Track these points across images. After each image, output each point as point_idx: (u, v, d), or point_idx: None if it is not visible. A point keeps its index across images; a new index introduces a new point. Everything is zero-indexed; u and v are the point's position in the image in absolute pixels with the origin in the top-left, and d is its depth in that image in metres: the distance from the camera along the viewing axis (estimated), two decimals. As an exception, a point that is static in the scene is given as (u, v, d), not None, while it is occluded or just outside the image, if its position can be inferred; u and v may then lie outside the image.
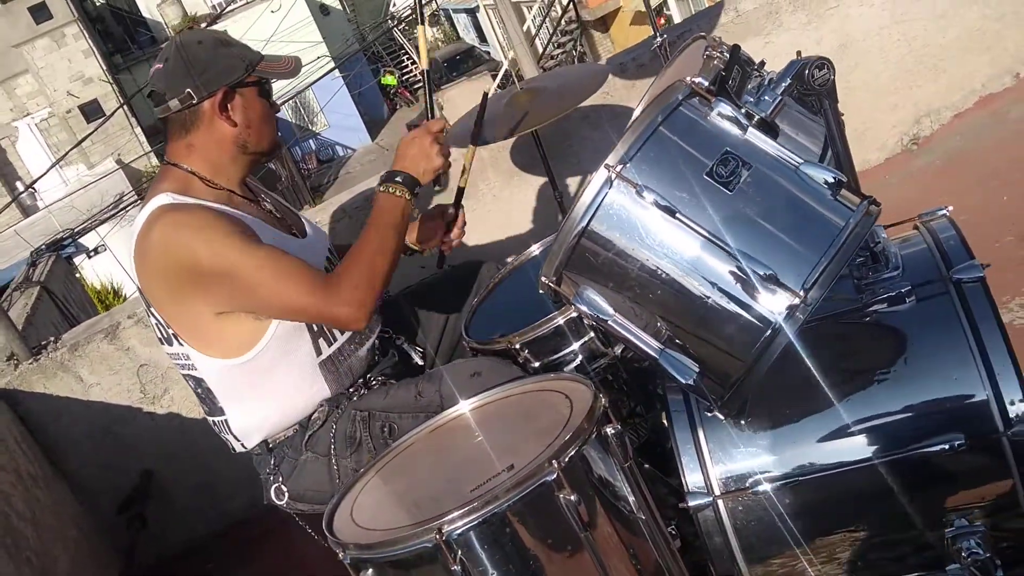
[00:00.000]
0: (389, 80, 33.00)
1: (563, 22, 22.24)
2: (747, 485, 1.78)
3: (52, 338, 3.47)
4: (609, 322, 1.58)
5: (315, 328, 2.11)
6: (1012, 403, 1.62)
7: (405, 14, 29.36)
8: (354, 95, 30.83)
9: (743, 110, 1.58)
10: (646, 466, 2.26)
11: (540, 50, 20.29)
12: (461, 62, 29.84)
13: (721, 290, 1.47)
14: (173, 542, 3.59)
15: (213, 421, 2.19)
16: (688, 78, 1.57)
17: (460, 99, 16.46)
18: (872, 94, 3.93)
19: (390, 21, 30.62)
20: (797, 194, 1.50)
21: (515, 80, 3.17)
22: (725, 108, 1.54)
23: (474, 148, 2.42)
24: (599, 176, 1.48)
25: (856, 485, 1.75)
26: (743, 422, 1.79)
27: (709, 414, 1.70)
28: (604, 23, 22.32)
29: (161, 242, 1.96)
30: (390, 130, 31.06)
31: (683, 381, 1.54)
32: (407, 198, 2.06)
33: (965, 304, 1.71)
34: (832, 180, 1.50)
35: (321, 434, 2.13)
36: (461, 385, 2.05)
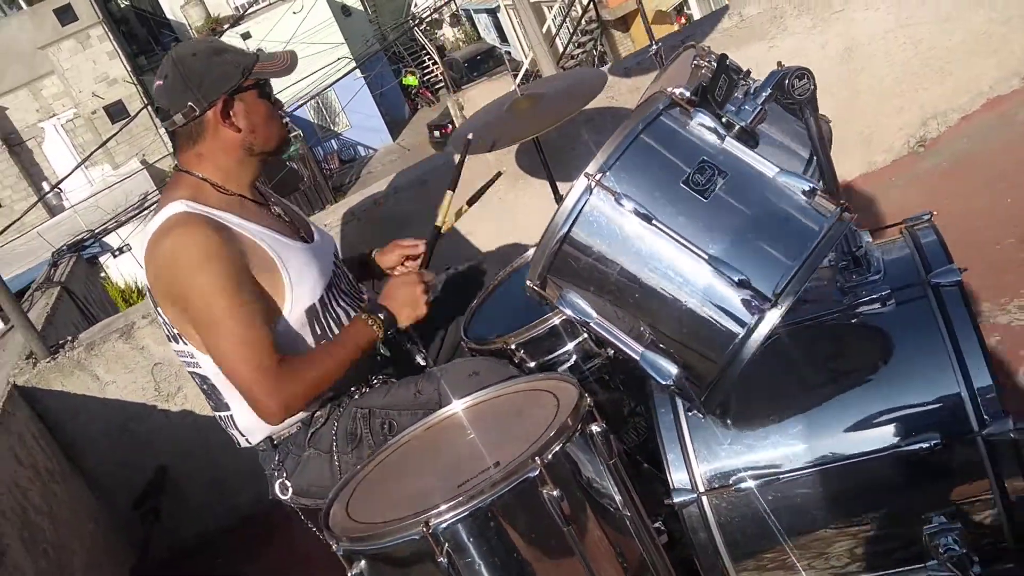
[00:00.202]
0: (410, 80, 33.12)
1: (583, 22, 22.25)
2: (731, 482, 1.82)
3: (69, 337, 3.57)
4: (591, 324, 1.64)
5: (318, 331, 2.18)
6: (986, 404, 1.66)
7: (426, 15, 29.47)
8: (375, 95, 30.98)
9: (724, 119, 1.64)
10: (645, 465, 2.31)
11: (560, 50, 20.33)
12: (482, 62, 29.88)
13: (695, 294, 1.52)
14: (185, 536, 3.68)
15: (219, 416, 2.26)
16: (669, 89, 1.62)
17: (480, 99, 16.63)
18: (878, 97, 3.95)
19: (411, 21, 30.69)
20: (771, 202, 1.55)
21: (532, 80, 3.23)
22: (704, 118, 1.59)
23: (451, 194, 2.43)
24: (579, 184, 1.54)
25: (837, 483, 1.79)
26: (728, 421, 1.85)
27: (689, 413, 1.76)
28: (624, 23, 22.33)
29: (169, 255, 2.04)
30: (411, 130, 31.19)
31: (662, 382, 1.60)
32: (380, 336, 2.14)
33: (943, 307, 1.74)
34: (807, 188, 1.55)
35: (323, 431, 2.19)
36: (459, 384, 2.11)
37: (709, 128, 1.59)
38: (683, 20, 20.37)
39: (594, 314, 1.64)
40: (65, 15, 26.93)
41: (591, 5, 21.39)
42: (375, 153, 31.17)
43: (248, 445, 2.25)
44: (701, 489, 1.84)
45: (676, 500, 1.84)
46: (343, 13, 30.80)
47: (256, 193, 2.26)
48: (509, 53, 29.18)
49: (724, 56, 1.91)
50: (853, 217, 1.57)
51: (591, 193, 1.54)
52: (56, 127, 27.80)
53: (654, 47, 2.36)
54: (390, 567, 1.69)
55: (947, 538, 1.72)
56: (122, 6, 31.07)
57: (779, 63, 1.73)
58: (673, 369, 1.59)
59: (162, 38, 30.51)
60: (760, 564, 1.92)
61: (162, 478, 3.54)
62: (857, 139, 4.00)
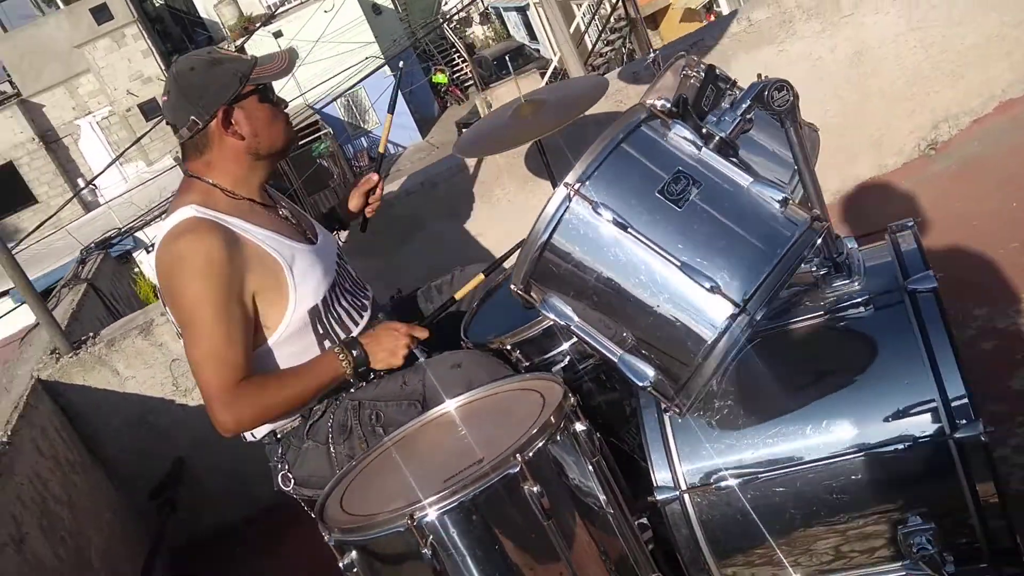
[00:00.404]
0: (440, 78, 33.22)
1: (612, 19, 22.20)
2: (712, 481, 1.88)
3: (91, 334, 3.68)
4: (572, 327, 1.70)
5: (320, 330, 2.26)
6: (957, 408, 1.70)
7: (455, 13, 29.56)
8: (405, 93, 31.07)
9: (704, 130, 1.69)
10: (644, 464, 2.36)
11: (589, 48, 20.31)
12: (511, 60, 29.91)
13: (669, 300, 1.57)
14: (204, 526, 3.78)
15: None
16: (648, 101, 1.68)
17: (508, 97, 16.62)
18: (888, 100, 3.96)
19: (440, 19, 30.80)
20: (744, 210, 1.60)
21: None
22: (681, 129, 1.65)
23: (390, 116, 3.07)
24: (559, 193, 1.60)
25: (815, 483, 1.84)
26: (712, 422, 1.91)
27: (667, 414, 1.82)
28: (654, 20, 22.27)
29: (176, 258, 2.13)
30: (440, 128, 31.25)
31: (639, 384, 1.66)
32: (348, 373, 2.20)
33: (918, 313, 1.79)
34: (780, 198, 1.60)
35: (321, 423, 2.28)
36: (442, 376, 2.20)
37: (687, 139, 1.65)
38: (711, 17, 20.30)
39: (575, 318, 1.70)
40: (101, 14, 27.29)
41: (620, 3, 21.33)
42: (404, 151, 31.29)
43: (254, 439, 2.35)
44: (683, 487, 1.90)
45: (659, 497, 1.90)
46: (374, 11, 30.93)
47: (265, 196, 2.35)
48: (538, 51, 29.21)
49: (712, 67, 1.97)
50: (824, 225, 1.62)
51: (570, 202, 1.60)
52: (92, 124, 28.17)
53: (651, 56, 2.41)
54: (378, 558, 1.77)
55: (921, 538, 1.77)
56: (157, 5, 31.44)
57: (759, 75, 1.78)
58: (650, 371, 1.65)
59: (196, 37, 30.84)
60: (748, 560, 1.97)
61: (180, 469, 3.64)
62: (867, 142, 4.01)
